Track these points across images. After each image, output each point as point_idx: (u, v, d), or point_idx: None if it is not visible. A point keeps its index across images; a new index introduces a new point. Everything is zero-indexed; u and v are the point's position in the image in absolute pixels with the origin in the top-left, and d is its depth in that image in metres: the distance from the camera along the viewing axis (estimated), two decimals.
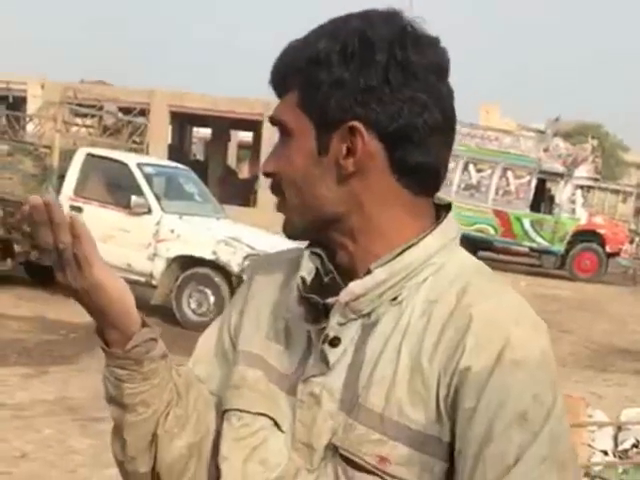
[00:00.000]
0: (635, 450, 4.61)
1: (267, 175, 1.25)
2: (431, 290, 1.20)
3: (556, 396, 1.13)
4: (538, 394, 1.11)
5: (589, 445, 4.49)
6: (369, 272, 1.20)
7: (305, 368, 1.24)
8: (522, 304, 1.20)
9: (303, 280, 1.26)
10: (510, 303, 1.19)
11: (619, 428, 4.79)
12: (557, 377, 1.16)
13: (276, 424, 1.25)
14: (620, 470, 4.40)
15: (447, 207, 1.28)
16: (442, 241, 1.23)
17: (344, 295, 1.19)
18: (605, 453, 4.55)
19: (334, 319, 1.20)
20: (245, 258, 9.92)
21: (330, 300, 1.21)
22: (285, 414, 1.25)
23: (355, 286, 1.19)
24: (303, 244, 1.31)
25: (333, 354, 1.21)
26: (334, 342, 1.21)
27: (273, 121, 1.25)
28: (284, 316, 1.31)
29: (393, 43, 1.18)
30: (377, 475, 1.15)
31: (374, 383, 1.18)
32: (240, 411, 1.28)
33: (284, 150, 1.23)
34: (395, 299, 1.20)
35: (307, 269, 1.27)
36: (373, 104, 1.17)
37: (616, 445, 4.67)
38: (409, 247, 1.21)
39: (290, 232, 1.27)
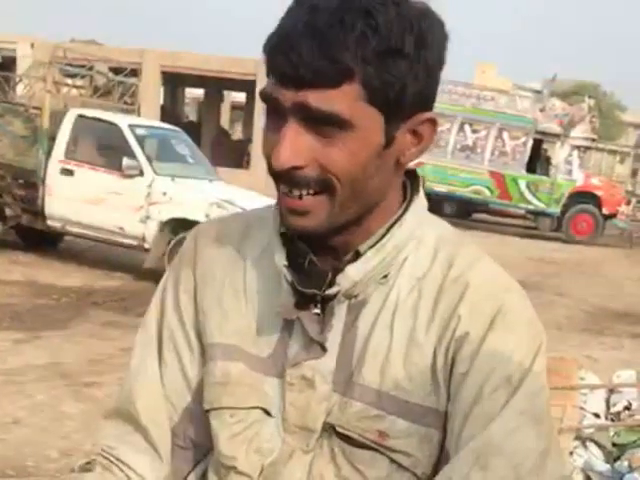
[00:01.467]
0: (627, 412, 4.61)
1: (290, 169, 1.12)
2: (414, 266, 1.21)
3: (537, 354, 1.17)
4: (524, 358, 1.15)
5: (581, 408, 4.49)
6: (358, 253, 1.19)
7: (288, 349, 1.22)
8: (503, 271, 1.24)
9: (296, 262, 1.21)
10: (495, 271, 1.22)
11: (611, 391, 4.79)
12: (544, 338, 1.21)
13: (266, 412, 1.24)
14: (612, 433, 4.40)
15: (409, 173, 1.26)
16: (419, 214, 1.24)
17: (345, 282, 1.18)
18: (597, 416, 4.56)
19: (334, 307, 1.20)
20: None
21: (332, 290, 1.18)
22: (272, 399, 1.23)
23: (355, 272, 1.18)
24: (256, 204, 1.25)
25: (328, 337, 1.20)
26: (325, 330, 1.20)
27: (312, 111, 1.09)
28: (255, 299, 1.27)
29: (443, 33, 1.16)
30: (377, 450, 1.18)
31: (367, 360, 1.19)
32: (232, 409, 1.25)
33: (335, 143, 1.11)
34: (384, 277, 1.21)
35: (280, 254, 1.22)
36: (434, 94, 1.18)
37: (608, 408, 4.67)
38: (392, 225, 1.21)
39: (317, 231, 1.16)
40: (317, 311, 1.20)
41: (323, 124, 1.10)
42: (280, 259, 1.22)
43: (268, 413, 1.23)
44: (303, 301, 1.20)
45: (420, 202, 1.24)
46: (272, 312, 1.24)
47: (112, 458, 1.32)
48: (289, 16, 1.11)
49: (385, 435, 1.17)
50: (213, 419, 1.27)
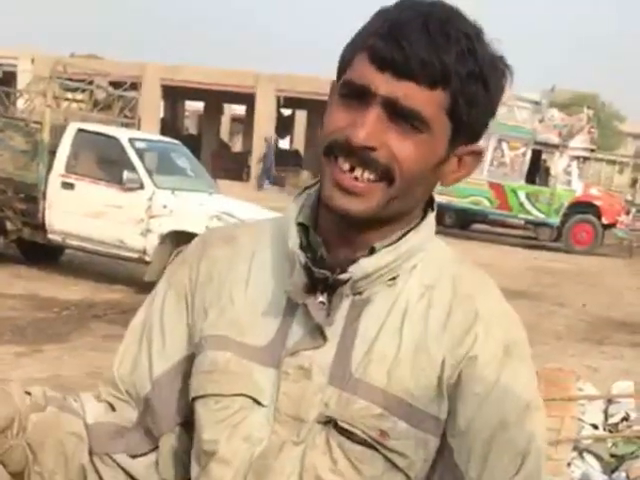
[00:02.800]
0: (625, 423, 4.61)
1: (365, 148, 1.16)
2: (423, 274, 1.26)
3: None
4: (536, 387, 1.24)
5: (579, 419, 4.49)
6: (373, 251, 1.23)
7: (287, 339, 1.24)
8: (501, 296, 1.30)
9: (306, 253, 1.24)
10: (502, 299, 1.28)
11: (609, 401, 4.79)
12: None
13: (255, 401, 1.24)
14: (609, 444, 4.40)
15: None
16: (431, 227, 1.29)
17: (358, 272, 1.21)
18: (595, 427, 4.56)
19: (340, 298, 1.22)
20: None
21: (344, 276, 1.21)
22: (263, 388, 1.24)
23: (368, 264, 1.22)
24: (256, 217, 1.29)
25: (329, 329, 1.22)
26: (330, 316, 1.22)
27: (399, 106, 1.15)
28: (260, 288, 1.29)
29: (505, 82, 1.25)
30: (375, 449, 1.20)
31: (374, 360, 1.21)
32: (216, 395, 1.27)
33: (409, 139, 1.17)
34: (392, 279, 1.24)
35: (295, 241, 1.26)
36: (485, 130, 1.25)
37: (606, 418, 4.67)
38: (409, 231, 1.25)
39: (361, 215, 1.19)
40: (323, 300, 1.22)
41: (404, 120, 1.16)
42: (294, 244, 1.25)
43: (257, 402, 1.24)
44: (311, 287, 1.23)
45: (432, 221, 1.29)
46: (274, 302, 1.27)
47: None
48: (399, 13, 1.17)
49: (386, 435, 1.19)
50: (198, 407, 1.29)
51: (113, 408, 1.38)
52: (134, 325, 1.41)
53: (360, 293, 1.24)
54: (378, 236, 1.24)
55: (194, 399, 1.30)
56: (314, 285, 1.23)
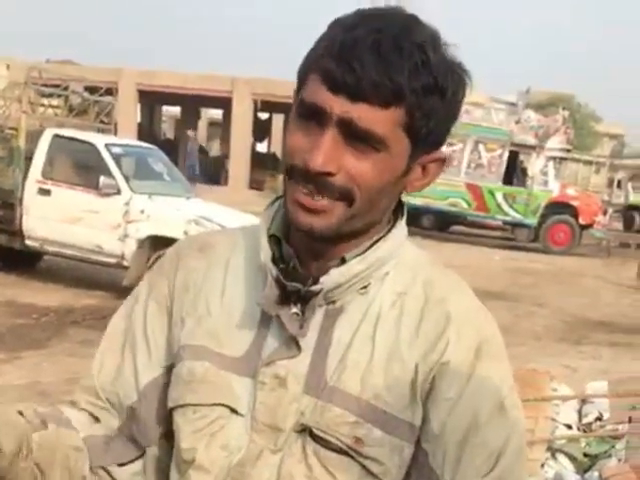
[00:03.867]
0: (598, 423, 4.64)
1: (323, 173, 1.16)
2: (395, 282, 1.27)
3: (512, 380, 1.27)
4: (511, 385, 1.24)
5: (553, 419, 4.52)
6: (343, 261, 1.24)
7: (262, 350, 1.26)
8: (478, 300, 1.30)
9: (278, 266, 1.26)
10: (475, 300, 1.30)
11: (583, 401, 4.82)
12: None
13: (233, 410, 1.26)
14: (583, 443, 4.43)
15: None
16: (402, 234, 1.30)
17: (329, 283, 1.23)
18: (569, 427, 4.58)
19: (313, 309, 1.23)
20: None
21: (315, 287, 1.23)
22: (241, 397, 1.26)
23: (339, 275, 1.23)
24: (235, 221, 1.30)
25: (304, 339, 1.23)
26: (304, 327, 1.24)
27: (355, 127, 1.15)
28: (234, 299, 1.30)
29: (467, 85, 1.25)
30: (350, 456, 1.21)
31: (348, 367, 1.23)
32: (195, 405, 1.28)
33: (367, 159, 1.17)
34: (364, 288, 1.26)
35: (267, 253, 1.27)
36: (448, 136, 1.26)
37: (580, 418, 4.70)
38: (378, 240, 1.27)
39: (323, 232, 1.20)
40: (296, 311, 1.24)
41: (360, 140, 1.16)
42: (266, 256, 1.26)
43: (235, 411, 1.26)
44: (284, 299, 1.24)
45: (403, 226, 1.31)
46: (249, 313, 1.28)
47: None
48: (348, 32, 1.15)
49: (361, 442, 1.20)
50: (177, 417, 1.30)
51: (96, 418, 1.38)
52: (113, 333, 1.41)
53: (333, 302, 1.25)
54: (348, 247, 1.25)
55: (173, 409, 1.31)
56: (287, 297, 1.25)
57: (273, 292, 1.24)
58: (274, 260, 1.27)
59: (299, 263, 1.27)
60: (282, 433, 1.23)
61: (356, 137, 1.16)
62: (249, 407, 1.25)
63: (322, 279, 1.23)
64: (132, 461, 1.37)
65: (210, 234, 1.44)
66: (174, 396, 1.31)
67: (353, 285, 1.25)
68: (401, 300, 1.26)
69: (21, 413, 1.25)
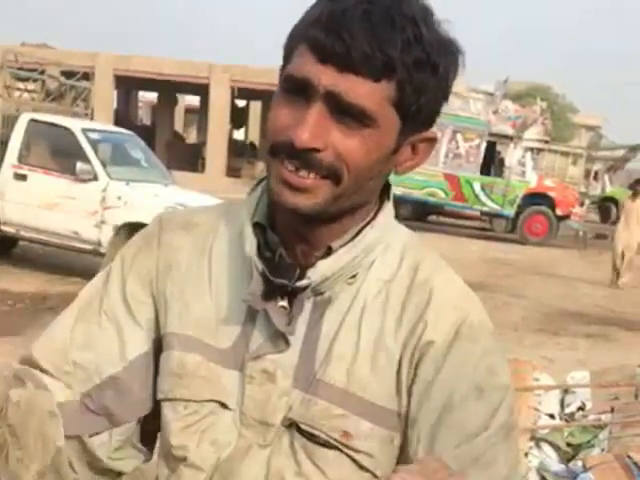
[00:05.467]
0: (581, 413, 4.66)
1: (309, 149, 1.12)
2: (382, 269, 1.24)
3: (503, 364, 1.21)
4: (492, 367, 1.19)
5: (535, 409, 4.53)
6: (330, 250, 1.20)
7: (250, 342, 1.22)
8: (463, 282, 1.27)
9: (263, 255, 1.22)
10: (458, 281, 1.26)
11: (566, 391, 4.84)
12: (504, 348, 1.25)
13: (223, 405, 1.23)
14: (566, 433, 4.45)
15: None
16: (389, 219, 1.27)
17: (316, 277, 1.19)
18: (552, 416, 4.60)
19: (301, 302, 1.20)
20: None
21: (302, 283, 1.19)
22: (230, 391, 1.23)
23: (326, 268, 1.20)
24: (213, 199, 1.24)
25: (292, 332, 1.20)
26: (292, 323, 1.20)
27: (342, 101, 1.11)
28: (222, 290, 1.26)
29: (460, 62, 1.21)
30: (339, 450, 1.18)
31: (333, 359, 1.20)
32: (186, 400, 1.24)
33: (355, 135, 1.13)
34: (352, 277, 1.22)
35: (252, 244, 1.22)
36: (438, 115, 1.21)
37: (562, 408, 4.72)
38: (365, 226, 1.23)
39: (309, 212, 1.16)
40: (283, 304, 1.21)
41: (348, 116, 1.12)
42: (251, 248, 1.22)
43: (225, 406, 1.23)
44: (271, 293, 1.20)
45: (390, 208, 1.27)
46: (236, 304, 1.24)
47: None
48: (337, 2, 1.11)
49: (349, 435, 1.17)
50: (166, 409, 1.26)
51: (69, 385, 1.28)
52: (85, 303, 1.32)
53: (321, 294, 1.22)
54: (334, 232, 1.21)
55: (162, 401, 1.27)
56: (273, 290, 1.20)
57: (259, 287, 1.20)
58: (259, 249, 1.22)
59: (285, 251, 1.22)
60: (271, 428, 1.21)
61: (344, 112, 1.12)
62: (238, 401, 1.22)
63: (309, 273, 1.19)
64: (92, 436, 1.28)
65: (192, 212, 1.38)
66: (164, 388, 1.27)
67: (341, 276, 1.21)
68: (387, 288, 1.23)
69: None
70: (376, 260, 1.23)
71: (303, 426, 1.19)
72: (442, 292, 1.21)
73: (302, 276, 1.20)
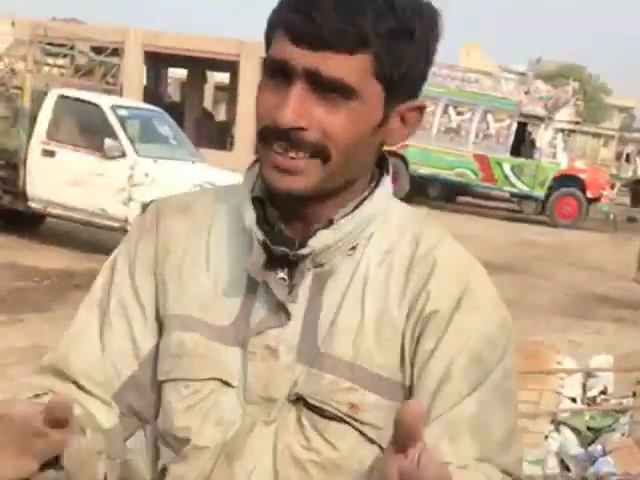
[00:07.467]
0: (603, 397, 4.64)
1: (294, 129, 1.13)
2: (382, 240, 1.24)
3: (503, 333, 1.21)
4: (493, 337, 1.19)
5: (558, 392, 4.51)
6: (331, 222, 1.20)
7: (250, 317, 1.22)
8: (466, 251, 1.27)
9: (265, 230, 1.21)
10: (460, 251, 1.26)
11: (588, 375, 4.81)
12: (509, 317, 1.24)
13: (225, 383, 1.22)
14: (587, 417, 4.43)
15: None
16: (387, 192, 1.27)
17: (317, 245, 1.19)
18: (573, 400, 4.58)
19: (301, 273, 1.20)
20: None
21: (304, 251, 1.19)
22: (232, 368, 1.22)
23: (327, 237, 1.20)
24: (207, 184, 1.22)
25: (293, 305, 1.20)
26: (293, 292, 1.20)
27: (321, 77, 1.12)
28: (220, 265, 1.26)
29: (440, 25, 1.20)
30: (347, 423, 1.18)
31: (338, 332, 1.19)
32: (187, 380, 1.23)
33: (339, 111, 1.13)
34: (352, 249, 1.22)
35: (252, 217, 1.22)
36: (424, 83, 1.21)
37: (585, 392, 4.70)
38: (364, 199, 1.23)
39: (303, 193, 1.17)
40: (283, 276, 1.21)
41: (330, 91, 1.13)
42: (251, 220, 1.22)
43: (227, 384, 1.22)
44: (271, 264, 1.20)
45: (388, 182, 1.27)
46: (236, 280, 1.24)
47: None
48: None
49: (356, 408, 1.18)
50: (167, 390, 1.25)
51: (107, 402, 1.26)
52: (97, 304, 1.32)
53: (322, 265, 1.22)
54: (332, 207, 1.22)
55: (163, 382, 1.26)
56: (273, 261, 1.20)
57: (260, 257, 1.20)
58: (259, 223, 1.22)
59: (284, 225, 1.22)
60: (275, 404, 1.20)
61: (325, 88, 1.13)
62: (240, 378, 1.22)
63: (310, 242, 1.20)
64: (127, 439, 1.28)
65: (189, 195, 1.39)
66: (165, 369, 1.26)
67: (341, 247, 1.21)
68: (389, 258, 1.23)
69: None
70: (375, 232, 1.24)
71: (311, 400, 1.19)
72: (445, 262, 1.21)
73: (303, 246, 1.20)
